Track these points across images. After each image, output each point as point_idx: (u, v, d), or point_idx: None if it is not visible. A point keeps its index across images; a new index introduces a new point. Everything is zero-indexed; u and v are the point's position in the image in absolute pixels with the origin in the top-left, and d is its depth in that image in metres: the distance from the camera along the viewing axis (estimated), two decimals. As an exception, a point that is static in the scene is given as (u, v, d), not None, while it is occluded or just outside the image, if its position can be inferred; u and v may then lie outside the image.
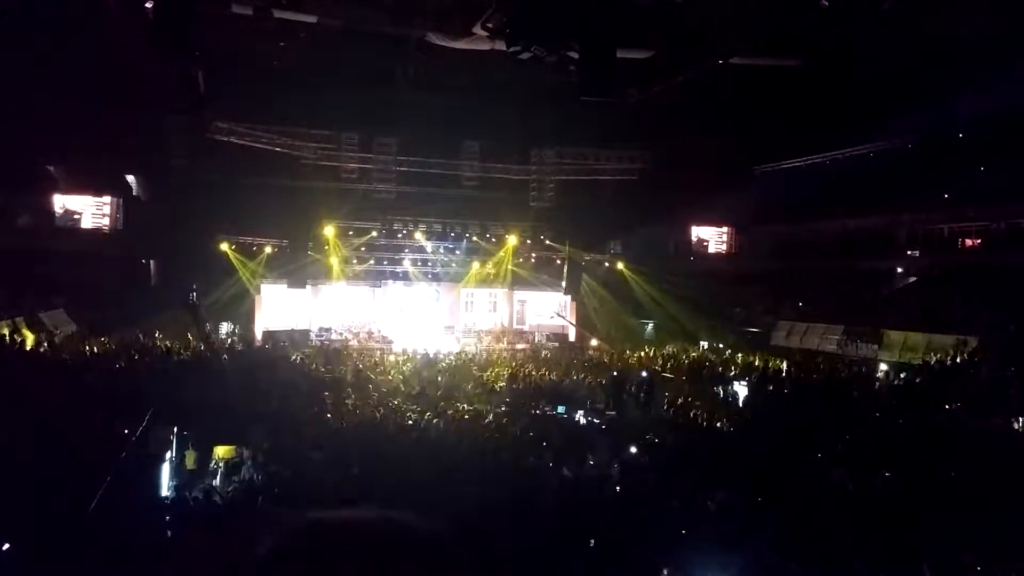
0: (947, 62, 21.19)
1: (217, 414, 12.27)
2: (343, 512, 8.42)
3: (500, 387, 18.47)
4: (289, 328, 28.71)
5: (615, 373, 19.60)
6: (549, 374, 20.62)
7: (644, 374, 19.33)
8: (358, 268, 31.01)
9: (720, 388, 18.94)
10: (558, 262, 32.73)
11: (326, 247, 29.54)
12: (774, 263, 32.88)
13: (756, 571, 7.01)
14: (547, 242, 32.57)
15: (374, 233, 30.66)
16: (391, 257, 31.77)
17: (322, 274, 29.99)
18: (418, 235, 31.29)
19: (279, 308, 29.97)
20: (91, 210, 28.59)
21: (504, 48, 11.18)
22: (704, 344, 27.74)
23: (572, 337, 31.71)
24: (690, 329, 29.23)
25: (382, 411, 14.50)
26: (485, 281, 32.41)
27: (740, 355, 24.18)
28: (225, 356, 19.86)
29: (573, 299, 32.67)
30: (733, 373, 20.81)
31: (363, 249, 30.89)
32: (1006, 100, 21.22)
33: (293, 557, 6.70)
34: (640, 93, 14.03)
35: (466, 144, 32.67)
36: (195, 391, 13.87)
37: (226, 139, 28.57)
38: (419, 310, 31.68)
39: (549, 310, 33.03)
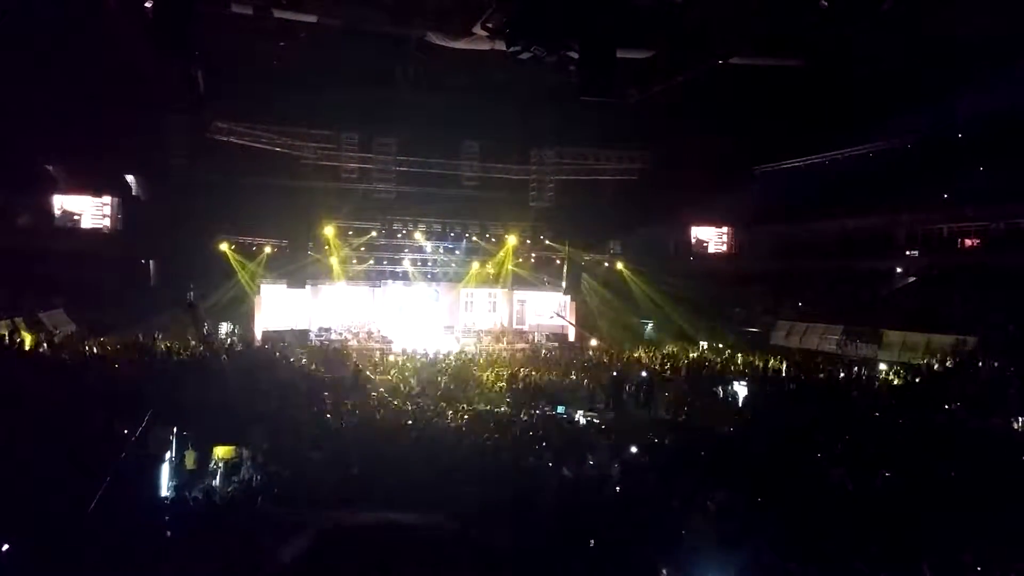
0: (947, 62, 21.21)
1: (216, 414, 12.26)
2: (343, 512, 8.43)
3: (500, 387, 18.50)
4: (289, 328, 28.71)
5: (615, 373, 19.62)
6: (549, 374, 20.63)
7: (644, 374, 19.38)
8: (358, 268, 30.98)
9: (720, 388, 18.92)
10: (558, 262, 32.74)
11: (326, 247, 29.54)
12: (774, 263, 32.88)
13: (756, 571, 7.02)
14: (547, 242, 32.59)
15: (374, 233, 30.67)
16: (391, 257, 31.77)
17: (322, 274, 29.99)
18: (418, 235, 31.32)
19: (279, 308, 29.94)
20: (91, 210, 28.58)
21: (504, 48, 11.16)
22: (704, 344, 27.71)
23: (572, 337, 31.68)
24: (690, 329, 29.20)
25: (382, 411, 14.51)
26: (485, 281, 32.39)
27: (740, 355, 24.19)
28: (225, 356, 19.84)
29: (573, 299, 32.69)
30: (733, 373, 20.81)
31: (363, 249, 30.88)
32: (1005, 100, 21.28)
33: (293, 557, 6.71)
34: (640, 93, 14.01)
35: (466, 144, 32.70)
36: (195, 391, 13.86)
37: (226, 139, 28.57)
38: (419, 310, 31.67)
39: (549, 310, 33.02)
